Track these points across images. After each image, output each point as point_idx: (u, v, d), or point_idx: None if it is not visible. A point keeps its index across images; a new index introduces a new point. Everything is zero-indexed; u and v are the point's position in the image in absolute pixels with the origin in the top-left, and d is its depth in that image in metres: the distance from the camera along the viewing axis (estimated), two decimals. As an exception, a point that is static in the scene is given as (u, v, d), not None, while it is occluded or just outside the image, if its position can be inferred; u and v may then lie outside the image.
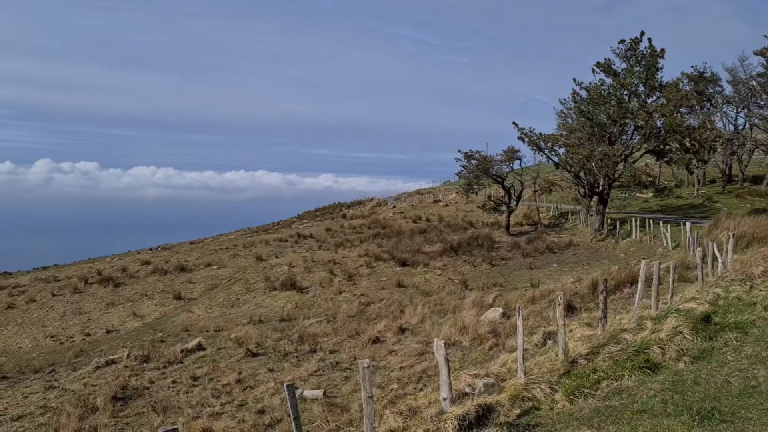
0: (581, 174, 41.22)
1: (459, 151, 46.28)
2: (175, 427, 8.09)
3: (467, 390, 8.78)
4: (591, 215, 41.14)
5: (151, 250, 50.17)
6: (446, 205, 62.29)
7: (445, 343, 7.84)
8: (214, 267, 36.52)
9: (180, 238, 60.50)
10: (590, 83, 39.10)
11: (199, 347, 18.98)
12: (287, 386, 6.63)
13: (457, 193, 59.64)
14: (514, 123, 40.52)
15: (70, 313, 29.80)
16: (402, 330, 17.99)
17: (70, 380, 17.45)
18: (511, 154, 45.33)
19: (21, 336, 27.27)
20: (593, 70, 38.79)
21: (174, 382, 15.61)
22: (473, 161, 45.92)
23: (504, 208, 45.54)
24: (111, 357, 19.22)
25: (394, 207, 64.90)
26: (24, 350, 24.87)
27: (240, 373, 15.42)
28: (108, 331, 26.37)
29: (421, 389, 11.11)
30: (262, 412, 12.23)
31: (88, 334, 26.21)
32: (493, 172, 45.50)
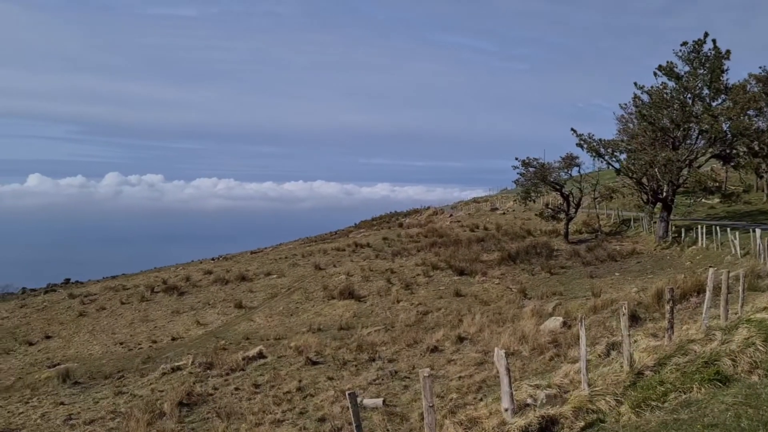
0: (644, 180, 40.14)
1: (516, 159, 45.76)
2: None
3: (529, 401, 8.68)
4: (654, 222, 39.98)
5: (213, 259, 51.47)
6: (503, 213, 61.64)
7: (505, 353, 7.78)
8: (274, 276, 37.16)
9: (241, 247, 61.91)
10: (652, 87, 38.13)
11: (260, 355, 19.32)
12: (349, 394, 6.71)
13: (515, 201, 58.92)
14: (572, 129, 39.87)
15: (137, 321, 30.84)
16: (460, 339, 17.89)
17: (138, 386, 18.03)
18: (570, 161, 44.52)
19: (92, 343, 28.39)
20: (655, 74, 37.85)
21: (237, 389, 15.94)
22: (531, 169, 45.33)
23: (562, 215, 44.76)
24: (176, 364, 19.75)
25: (451, 215, 64.65)
26: (95, 356, 25.86)
27: (300, 381, 15.62)
28: (173, 339, 27.16)
29: (481, 399, 11.03)
30: (322, 420, 12.36)
31: (155, 341, 27.07)
32: (551, 180, 44.79)
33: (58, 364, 24.48)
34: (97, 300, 35.87)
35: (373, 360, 16.97)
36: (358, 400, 12.44)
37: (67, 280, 57.84)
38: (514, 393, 8.11)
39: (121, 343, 27.45)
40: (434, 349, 17.10)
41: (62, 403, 17.11)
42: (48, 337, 30.23)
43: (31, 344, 29.43)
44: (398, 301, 28.78)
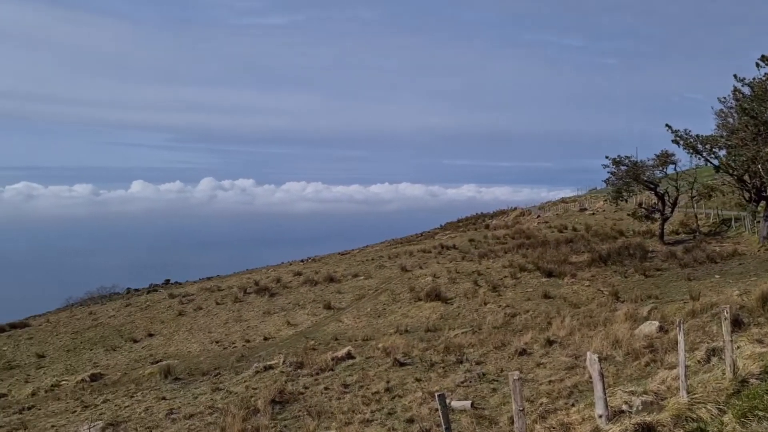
0: (745, 177, 37.91)
1: (606, 157, 44.23)
2: (332, 430, 8.48)
3: (624, 407, 8.42)
4: (758, 222, 37.66)
5: (302, 261, 52.74)
6: (593, 214, 59.82)
7: (598, 357, 7.58)
8: (361, 278, 37.65)
9: (328, 249, 63.12)
10: (754, 78, 35.92)
11: (349, 356, 19.63)
12: (438, 396, 6.74)
13: (605, 200, 57.05)
14: (667, 125, 38.19)
15: (231, 321, 32.06)
16: (549, 342, 17.53)
17: (233, 383, 18.74)
18: (665, 159, 42.60)
19: (190, 341, 29.75)
20: (757, 65, 35.61)
21: (326, 388, 16.27)
22: (622, 167, 43.73)
23: (657, 215, 42.92)
24: (268, 363, 20.38)
25: (539, 216, 63.38)
26: (193, 354, 27.08)
27: (388, 381, 15.77)
28: (265, 338, 28.05)
29: (572, 405, 10.78)
30: (411, 421, 12.44)
31: (248, 341, 28.04)
32: (645, 178, 43.04)
33: (160, 360, 25.79)
34: (194, 300, 37.55)
35: (461, 362, 16.90)
36: (447, 401, 12.44)
37: (167, 281, 60.87)
38: (608, 399, 7.89)
39: (217, 342, 28.59)
40: (522, 352, 16.84)
41: (164, 398, 18.04)
42: (150, 335, 31.93)
43: (135, 341, 31.18)
44: (485, 303, 28.52)
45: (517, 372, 6.94)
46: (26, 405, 20.42)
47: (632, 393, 8.97)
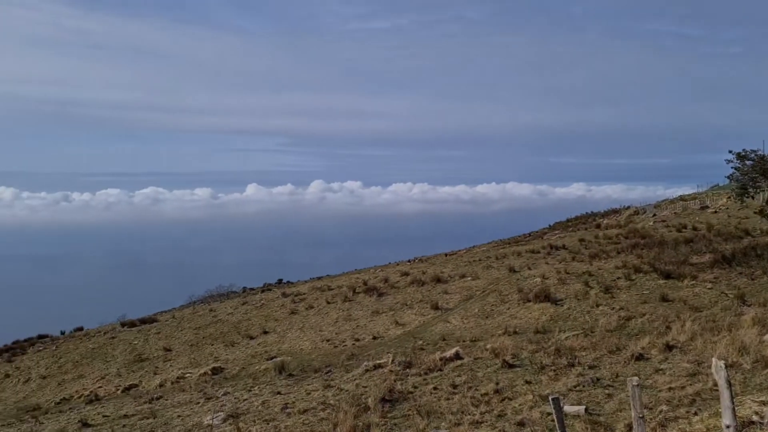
0: None
1: (730, 152, 41.34)
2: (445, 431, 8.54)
3: (754, 418, 7.91)
4: None
5: (409, 261, 53.13)
6: (715, 212, 56.23)
7: (724, 364, 7.18)
8: (468, 278, 37.43)
9: (435, 250, 63.19)
10: None
11: (457, 356, 19.60)
12: (553, 399, 6.64)
13: (729, 198, 53.44)
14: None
15: (341, 320, 32.85)
16: (669, 347, 16.71)
17: (344, 380, 19.22)
18: (797, 151, 39.35)
19: (302, 339, 30.77)
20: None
21: (435, 388, 16.35)
22: (748, 162, 40.76)
23: (790, 212, 39.67)
24: (378, 361, 20.73)
25: (654, 215, 60.38)
26: (305, 351, 28.00)
27: (497, 383, 15.62)
28: (374, 338, 28.52)
29: (695, 413, 10.24)
30: (522, 424, 12.28)
31: (358, 339, 28.63)
32: (774, 173, 39.91)
33: (275, 357, 26.87)
34: (305, 299, 38.78)
35: (573, 365, 16.45)
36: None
37: (280, 281, 63.24)
38: (736, 408, 7.45)
39: (328, 340, 29.38)
40: (639, 357, 16.15)
41: (279, 393, 18.79)
42: (265, 332, 33.32)
43: (251, 338, 32.65)
44: (597, 305, 27.54)
45: (635, 377, 6.70)
46: (155, 395, 21.89)
47: (763, 404, 8.41)
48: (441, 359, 19.21)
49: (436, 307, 32.13)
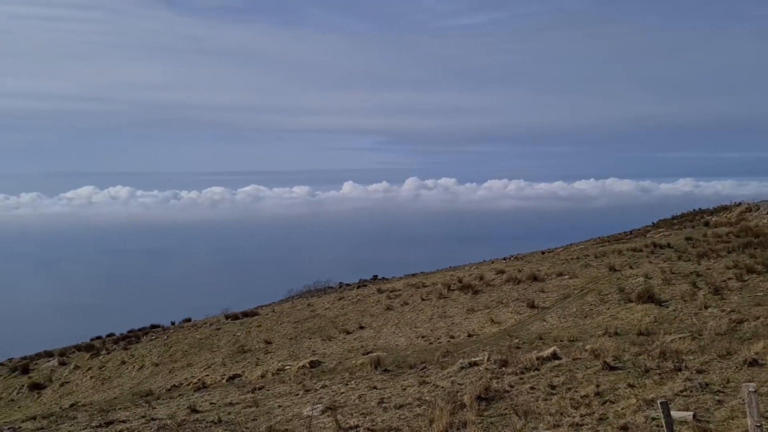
0: None
1: None
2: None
3: None
4: None
5: (504, 259, 52.38)
6: (842, 208, 51.88)
7: None
8: (566, 277, 36.49)
9: (531, 247, 62.01)
10: None
11: (554, 356, 19.20)
12: (661, 404, 6.40)
13: None
14: None
15: (436, 317, 32.88)
16: (787, 354, 15.63)
17: (439, 377, 19.26)
18: None
19: (397, 335, 31.06)
20: None
21: (532, 388, 16.09)
22: None
23: None
24: (473, 359, 20.63)
25: (770, 212, 56.41)
26: (400, 347, 28.25)
27: (598, 385, 15.18)
28: (469, 335, 28.38)
29: (817, 425, 9.55)
30: (624, 428, 11.88)
31: (452, 337, 28.58)
32: None
33: (371, 352, 27.28)
34: (400, 296, 39.09)
35: (679, 369, 15.72)
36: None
37: (375, 277, 64.02)
38: None
39: (423, 337, 29.51)
40: (753, 363, 15.22)
41: (375, 387, 19.08)
42: (361, 328, 33.88)
43: (348, 333, 33.30)
44: (705, 307, 26.12)
45: (751, 383, 6.34)
46: (257, 385, 22.77)
47: None
48: (538, 359, 18.87)
49: (532, 306, 31.54)
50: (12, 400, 37.92)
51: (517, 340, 24.75)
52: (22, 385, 39.40)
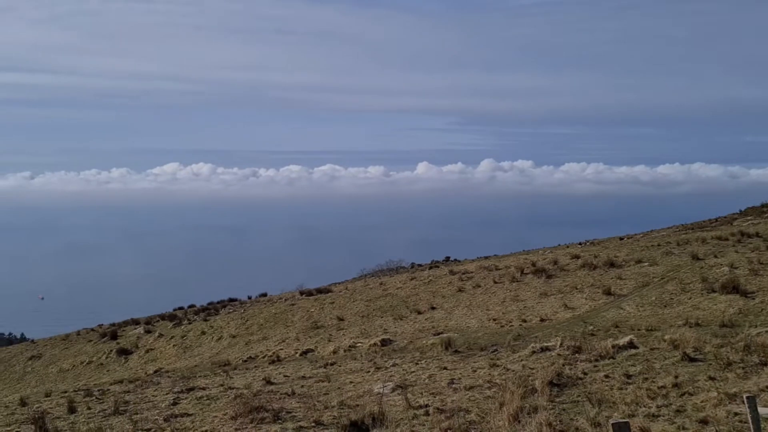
0: None
1: None
2: (626, 420, 8.26)
3: None
4: None
5: (580, 244, 51.22)
6: None
7: None
8: (645, 264, 35.33)
9: (609, 233, 60.35)
10: None
11: (631, 345, 18.70)
12: (748, 398, 6.18)
13: None
14: None
15: (508, 300, 32.58)
16: None
17: (510, 361, 19.14)
18: None
19: (469, 317, 30.99)
20: None
21: (606, 376, 15.76)
22: None
23: None
24: (545, 344, 20.36)
25: None
26: (471, 329, 28.19)
27: (676, 377, 14.71)
28: (541, 320, 27.99)
29: None
30: (704, 422, 11.48)
31: (524, 321, 28.26)
32: None
33: (441, 333, 27.35)
34: (473, 278, 38.91)
35: (765, 364, 15.03)
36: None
37: (447, 258, 63.87)
38: None
39: (494, 320, 29.33)
40: None
41: (445, 368, 19.16)
42: (433, 308, 33.99)
43: (419, 313, 33.49)
44: (798, 301, 24.76)
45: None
46: (329, 361, 23.30)
47: None
48: (613, 347, 18.43)
49: (608, 293, 30.75)
50: (101, 363, 40.30)
51: (591, 327, 24.22)
52: (111, 350, 41.79)
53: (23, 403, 19.99)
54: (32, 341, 56.59)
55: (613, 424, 8.50)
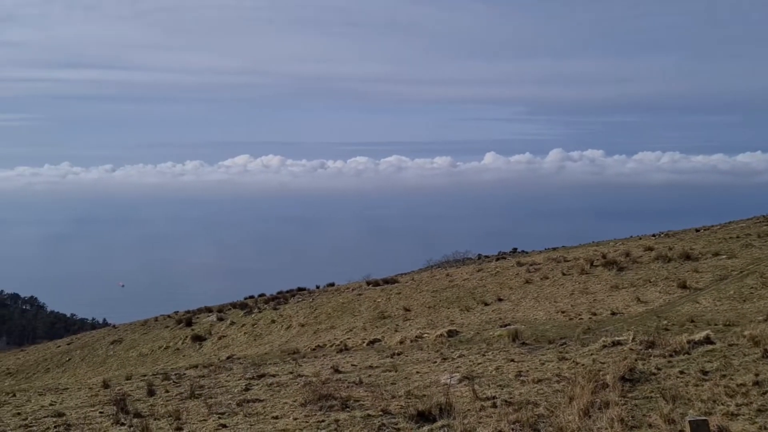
0: None
1: None
2: (704, 418, 8.03)
3: None
4: None
5: (653, 236, 49.56)
6: None
7: None
8: (723, 257, 33.94)
9: (684, 224, 58.09)
10: None
11: (707, 340, 18.03)
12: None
13: None
14: None
15: (577, 292, 31.94)
16: None
17: (579, 354, 18.79)
18: None
19: (536, 308, 30.57)
20: None
21: (681, 372, 15.28)
22: None
23: None
24: (616, 338, 19.88)
25: None
26: (538, 321, 27.79)
27: (757, 374, 14.11)
28: (612, 313, 27.32)
29: None
30: (786, 422, 11.00)
31: (594, 314, 27.65)
32: None
33: (508, 324, 27.10)
34: (540, 269, 38.34)
35: None
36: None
37: (514, 249, 63.10)
38: None
39: (563, 312, 28.82)
40: None
41: (512, 360, 19.00)
42: (499, 300, 33.70)
43: (486, 304, 33.27)
44: None
45: None
46: (396, 351, 23.47)
47: None
48: (689, 342, 17.81)
49: (683, 286, 29.70)
50: (177, 349, 41.93)
51: (665, 322, 23.48)
52: (186, 336, 43.41)
53: (106, 385, 21.05)
54: (114, 326, 59.49)
55: (690, 421, 8.27)
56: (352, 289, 45.49)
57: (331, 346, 30.20)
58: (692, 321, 23.35)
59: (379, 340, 29.27)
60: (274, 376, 20.13)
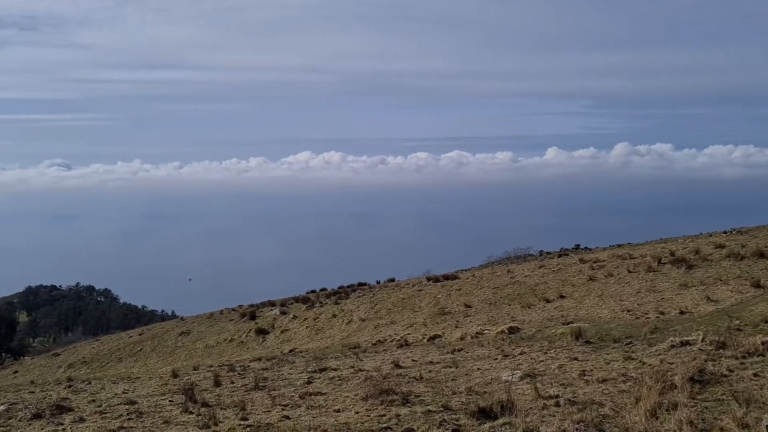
0: None
1: None
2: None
3: None
4: None
5: (725, 233, 47.66)
6: None
7: None
8: (802, 255, 32.33)
9: (759, 220, 55.54)
10: None
11: (785, 342, 17.24)
12: None
13: None
14: None
15: (644, 291, 31.05)
16: None
17: (646, 354, 18.29)
18: None
19: (600, 306, 29.89)
20: None
21: (755, 374, 14.67)
22: None
23: None
24: (685, 338, 19.26)
25: None
26: (603, 320, 27.18)
27: (838, 379, 13.41)
28: (681, 312, 26.45)
29: None
30: None
31: (662, 313, 26.83)
32: None
33: (571, 322, 26.59)
34: (605, 267, 37.45)
35: None
36: None
37: (577, 246, 61.81)
38: None
39: (628, 311, 28.09)
40: None
41: (576, 359, 18.66)
42: (562, 297, 33.12)
43: (547, 301, 32.76)
44: None
45: None
46: (456, 347, 23.42)
47: None
48: (763, 343, 17.07)
49: (757, 285, 28.46)
50: (242, 341, 43.00)
51: (737, 322, 22.56)
52: (250, 330, 44.47)
53: (175, 375, 21.82)
54: (182, 318, 61.47)
55: (767, 426, 7.94)
56: (413, 285, 45.56)
57: (391, 341, 30.37)
58: (767, 321, 22.39)
59: (440, 336, 29.25)
60: (335, 370, 20.40)
